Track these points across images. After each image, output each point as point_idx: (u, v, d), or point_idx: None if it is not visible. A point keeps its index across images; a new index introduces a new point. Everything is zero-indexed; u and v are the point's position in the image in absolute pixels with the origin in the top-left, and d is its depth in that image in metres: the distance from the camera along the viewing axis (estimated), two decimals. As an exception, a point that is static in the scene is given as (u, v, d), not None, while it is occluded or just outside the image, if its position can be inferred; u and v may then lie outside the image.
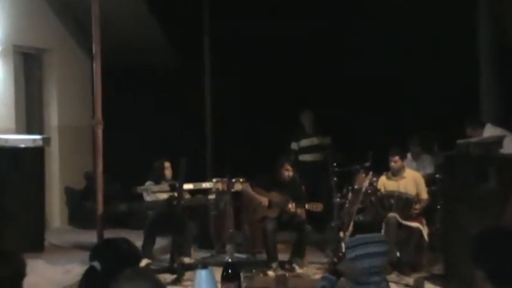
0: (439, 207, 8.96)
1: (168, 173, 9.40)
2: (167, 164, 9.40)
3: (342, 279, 4.12)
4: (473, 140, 8.65)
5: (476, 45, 10.36)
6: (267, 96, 11.74)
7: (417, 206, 8.77)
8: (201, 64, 11.87)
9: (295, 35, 11.54)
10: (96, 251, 3.59)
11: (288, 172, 9.14)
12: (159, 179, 9.35)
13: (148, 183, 9.26)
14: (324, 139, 10.96)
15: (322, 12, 11.48)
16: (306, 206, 9.05)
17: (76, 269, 7.62)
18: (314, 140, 10.99)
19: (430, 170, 9.81)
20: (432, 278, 8.14)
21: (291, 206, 8.98)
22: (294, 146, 11.00)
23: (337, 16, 11.43)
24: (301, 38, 11.54)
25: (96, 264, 3.43)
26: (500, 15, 9.77)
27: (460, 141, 8.56)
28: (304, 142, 11.01)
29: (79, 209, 11.47)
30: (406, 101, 11.07)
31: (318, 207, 9.10)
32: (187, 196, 9.28)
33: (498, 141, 8.27)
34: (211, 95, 11.91)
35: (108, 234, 7.91)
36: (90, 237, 8.60)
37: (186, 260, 8.83)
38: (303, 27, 11.51)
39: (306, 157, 10.99)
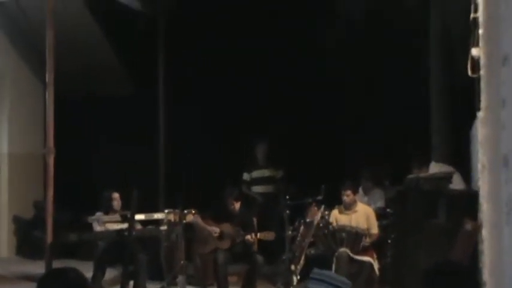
0: (389, 241, 9.00)
1: (117, 203, 9.29)
2: (115, 195, 9.31)
3: None
4: (424, 175, 8.74)
5: (428, 84, 10.52)
6: (221, 127, 11.72)
7: (367, 240, 8.81)
8: (155, 93, 11.83)
9: (252, 68, 11.57)
10: (43, 281, 3.50)
11: (233, 206, 9.17)
12: (108, 209, 9.25)
13: (98, 214, 9.17)
14: (276, 172, 10.96)
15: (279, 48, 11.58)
16: (258, 235, 9.06)
17: (23, 300, 7.47)
18: (265, 172, 10.99)
19: (380, 204, 9.87)
20: (382, 312, 8.17)
21: (250, 237, 8.99)
22: (245, 176, 11.00)
23: (292, 51, 11.53)
24: (257, 70, 11.58)
25: (44, 295, 3.35)
26: (452, 58, 9.91)
27: (410, 176, 8.65)
28: (256, 173, 11.01)
29: (27, 239, 11.27)
30: (358, 136, 11.14)
31: (270, 235, 9.12)
32: (138, 227, 9.19)
33: (448, 177, 8.37)
34: (164, 125, 11.86)
35: (57, 264, 7.74)
36: (39, 267, 8.46)
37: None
38: (261, 60, 11.55)
39: (257, 189, 10.98)
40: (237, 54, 11.58)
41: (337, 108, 11.30)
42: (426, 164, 9.23)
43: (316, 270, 4.28)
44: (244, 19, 11.49)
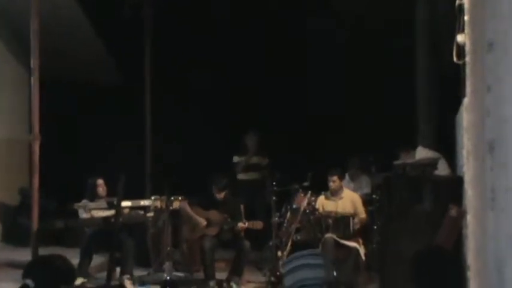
0: (375, 227, 9.05)
1: (102, 190, 9.25)
2: (100, 181, 9.27)
3: None
4: (409, 161, 8.79)
5: (414, 72, 10.55)
6: (208, 114, 11.73)
7: (356, 221, 8.85)
8: (142, 82, 11.81)
9: (239, 55, 11.58)
10: (30, 269, 3.52)
11: (219, 195, 9.20)
12: (93, 196, 9.22)
13: (84, 201, 9.16)
14: (263, 159, 10.97)
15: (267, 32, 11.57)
16: (247, 224, 9.08)
17: None
18: (253, 159, 11.01)
19: (367, 190, 9.92)
20: (368, 298, 8.23)
21: (241, 225, 9.01)
22: (235, 159, 11.01)
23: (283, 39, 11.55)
24: (245, 57, 11.58)
25: (30, 282, 3.36)
26: (438, 45, 9.93)
27: (396, 162, 8.68)
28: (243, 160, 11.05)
29: (13, 226, 11.24)
30: (344, 123, 11.17)
31: (258, 225, 9.15)
32: (126, 211, 9.20)
33: (433, 163, 8.41)
34: (151, 113, 11.86)
35: (43, 251, 7.77)
36: (24, 254, 8.45)
37: (127, 278, 8.75)
38: (246, 47, 11.55)
39: (243, 175, 10.99)
40: (225, 43, 11.59)
41: (325, 97, 11.34)
42: (413, 149, 9.27)
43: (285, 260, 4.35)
44: (232, 8, 11.48)
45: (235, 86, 11.67)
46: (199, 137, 11.55)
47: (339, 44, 11.21)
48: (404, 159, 8.99)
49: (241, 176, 10.97)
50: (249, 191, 10.59)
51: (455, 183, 7.04)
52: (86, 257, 8.93)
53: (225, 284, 8.86)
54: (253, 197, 10.46)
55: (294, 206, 9.29)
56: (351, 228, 8.80)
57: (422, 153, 9.16)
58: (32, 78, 8.68)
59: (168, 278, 3.84)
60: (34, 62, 8.58)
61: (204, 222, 9.13)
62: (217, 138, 11.34)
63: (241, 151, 11.05)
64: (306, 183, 9.41)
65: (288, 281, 4.17)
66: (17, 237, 10.75)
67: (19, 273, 3.56)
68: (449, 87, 7.58)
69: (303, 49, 11.49)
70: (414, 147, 9.36)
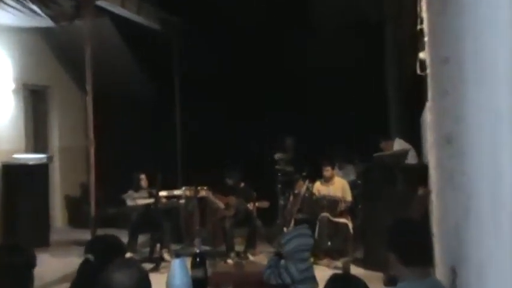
0: (360, 206, 9.02)
1: (144, 182, 9.25)
2: (142, 176, 9.28)
3: (283, 260, 4.17)
4: (386, 153, 8.78)
5: (384, 79, 10.48)
6: (222, 120, 11.63)
7: (342, 205, 8.83)
8: (172, 95, 11.76)
9: (254, 74, 11.52)
10: (90, 246, 3.53)
11: (235, 184, 9.22)
12: (137, 187, 9.22)
13: (130, 192, 9.18)
14: (287, 154, 10.77)
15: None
16: (256, 204, 9.08)
17: (74, 261, 7.35)
18: (290, 156, 10.81)
19: (352, 177, 9.87)
20: (355, 261, 8.20)
21: (251, 206, 8.99)
22: (277, 156, 10.70)
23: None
24: (259, 76, 11.52)
25: (90, 256, 3.37)
26: (403, 55, 9.88)
27: (376, 154, 8.67)
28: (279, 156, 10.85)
29: (76, 212, 11.32)
30: (337, 126, 10.99)
31: (265, 204, 9.16)
32: (163, 200, 9.22)
33: (404, 154, 8.41)
34: (180, 121, 11.84)
35: (100, 232, 7.78)
36: (85, 235, 8.47)
37: (165, 252, 8.75)
38: (261, 68, 11.46)
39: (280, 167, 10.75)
40: (234, 67, 11.53)
41: (326, 106, 11.21)
42: (391, 140, 9.21)
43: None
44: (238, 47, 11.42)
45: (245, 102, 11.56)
46: (218, 135, 11.41)
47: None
48: (384, 148, 8.97)
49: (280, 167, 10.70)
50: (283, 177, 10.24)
51: (422, 169, 7.03)
52: (133, 236, 8.91)
53: (242, 255, 8.86)
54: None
55: (295, 191, 9.27)
56: (337, 210, 8.78)
57: (399, 144, 9.12)
58: (86, 98, 8.73)
59: (197, 250, 3.83)
60: (88, 86, 8.64)
61: (222, 206, 9.13)
62: (232, 138, 11.21)
63: (281, 151, 10.80)
64: (304, 173, 9.37)
65: (287, 247, 4.21)
66: (79, 221, 10.80)
67: (81, 249, 3.57)
68: (413, 94, 7.54)
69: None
70: (391, 140, 9.30)
